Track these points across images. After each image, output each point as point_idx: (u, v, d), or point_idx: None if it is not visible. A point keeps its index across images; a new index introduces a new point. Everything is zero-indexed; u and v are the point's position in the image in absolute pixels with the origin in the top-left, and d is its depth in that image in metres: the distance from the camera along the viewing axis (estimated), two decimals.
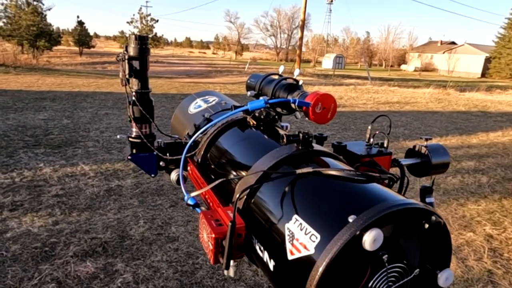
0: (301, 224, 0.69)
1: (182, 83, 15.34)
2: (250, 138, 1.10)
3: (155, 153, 1.19)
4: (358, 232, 0.60)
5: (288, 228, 0.71)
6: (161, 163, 1.21)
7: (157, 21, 41.81)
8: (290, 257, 0.69)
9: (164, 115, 7.98)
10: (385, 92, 16.17)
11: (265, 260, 0.77)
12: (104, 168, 4.72)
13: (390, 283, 0.66)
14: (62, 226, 3.25)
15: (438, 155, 1.14)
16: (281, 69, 1.19)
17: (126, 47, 1.10)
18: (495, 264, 3.12)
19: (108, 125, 7.03)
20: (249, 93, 1.18)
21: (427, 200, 1.09)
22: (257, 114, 1.07)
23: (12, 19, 27.40)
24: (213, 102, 1.40)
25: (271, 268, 0.75)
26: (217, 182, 0.84)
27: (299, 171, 0.79)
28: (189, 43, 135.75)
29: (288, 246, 0.70)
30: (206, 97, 1.48)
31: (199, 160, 1.15)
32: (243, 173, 0.94)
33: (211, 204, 0.98)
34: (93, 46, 46.08)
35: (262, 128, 1.09)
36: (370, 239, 0.59)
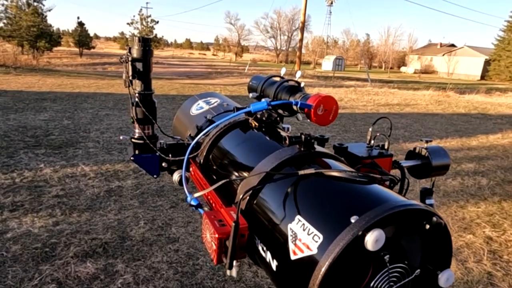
0: (303, 224, 0.70)
1: (183, 84, 15.36)
2: (252, 139, 1.11)
3: (157, 154, 1.20)
4: (360, 233, 0.60)
5: (291, 229, 0.72)
6: (163, 164, 1.22)
7: (158, 22, 41.81)
8: (293, 257, 0.70)
9: (165, 116, 7.99)
10: (385, 94, 16.20)
11: (267, 260, 0.78)
12: (104, 169, 4.72)
13: (392, 283, 0.67)
14: (63, 227, 3.25)
15: (438, 157, 1.15)
16: (283, 71, 1.20)
17: (130, 48, 1.11)
18: (494, 266, 3.13)
19: (109, 126, 7.04)
20: (251, 94, 1.19)
21: (427, 201, 1.10)
22: (259, 116, 1.08)
23: (13, 20, 27.43)
24: (215, 104, 1.41)
25: (274, 268, 0.76)
26: (220, 183, 0.85)
27: (301, 172, 0.80)
28: (189, 44, 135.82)
29: (291, 246, 0.70)
30: (208, 98, 1.48)
31: (202, 161, 1.16)
32: (246, 174, 0.95)
33: (213, 204, 0.99)
34: (93, 47, 46.12)
35: (264, 129, 1.10)
36: (372, 240, 0.59)
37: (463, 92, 19.39)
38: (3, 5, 27.05)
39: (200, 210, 0.94)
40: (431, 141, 1.19)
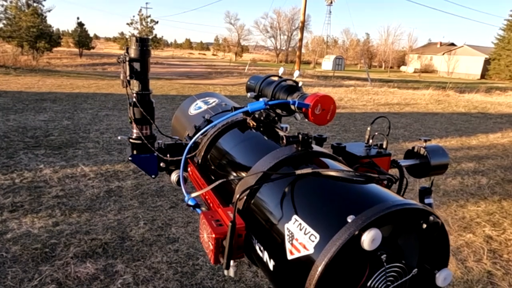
0: (300, 224, 0.70)
1: (182, 85, 15.36)
2: (250, 139, 1.11)
3: (155, 154, 1.19)
4: (357, 232, 0.60)
5: (287, 228, 0.72)
6: (161, 164, 1.22)
7: (157, 22, 41.74)
8: (289, 257, 0.70)
9: (164, 116, 7.99)
10: (385, 94, 16.19)
11: (265, 260, 0.78)
12: (104, 169, 4.72)
13: (389, 283, 0.67)
14: (62, 227, 3.25)
15: (437, 156, 1.14)
16: (281, 70, 1.20)
17: (127, 49, 1.11)
18: (494, 265, 3.12)
19: (108, 126, 7.04)
20: (249, 94, 1.19)
21: (426, 201, 1.10)
22: (257, 116, 1.08)
23: (12, 21, 27.43)
24: (213, 104, 1.40)
25: (271, 268, 0.76)
26: (217, 183, 0.85)
27: (298, 172, 0.80)
28: (189, 44, 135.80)
29: (288, 246, 0.70)
30: (206, 98, 1.48)
31: (199, 161, 1.16)
32: (243, 174, 0.95)
33: (211, 204, 0.99)
34: (93, 48, 46.05)
35: (262, 129, 1.10)
36: (369, 239, 0.59)
37: (463, 91, 19.39)
38: (2, 5, 27.10)
39: (198, 210, 0.93)
40: (430, 140, 1.19)
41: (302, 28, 27.87)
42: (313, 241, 0.65)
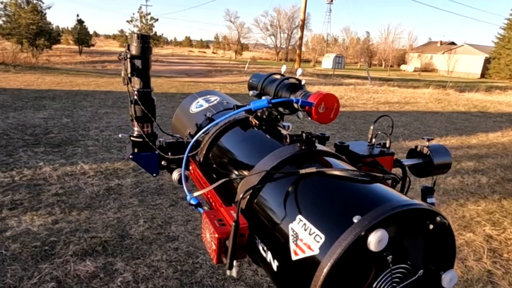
0: (305, 224, 0.69)
1: (182, 82, 15.33)
2: (253, 137, 1.09)
3: (156, 152, 1.18)
4: (363, 233, 0.59)
5: (292, 228, 0.71)
6: (162, 163, 1.20)
7: (157, 20, 41.61)
8: (294, 257, 0.69)
9: (164, 114, 7.97)
10: (385, 92, 16.18)
11: (268, 260, 0.77)
12: (104, 167, 4.71)
13: (394, 284, 0.66)
14: (62, 225, 3.24)
15: (440, 156, 1.14)
16: (283, 68, 1.18)
17: (128, 46, 1.10)
18: (494, 264, 3.12)
19: (108, 124, 7.02)
20: (251, 92, 1.18)
21: (428, 200, 1.09)
22: (259, 114, 1.07)
23: (12, 18, 27.36)
24: (215, 102, 1.39)
25: (275, 268, 0.75)
26: (220, 182, 0.84)
27: (302, 171, 0.79)
28: (189, 42, 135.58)
29: (292, 246, 0.69)
30: (208, 96, 1.47)
31: (201, 159, 1.15)
32: (246, 173, 0.94)
33: (213, 203, 0.98)
34: (93, 45, 45.95)
35: (264, 127, 1.09)
36: (375, 240, 0.58)
37: (463, 90, 19.39)
38: (2, 2, 27.03)
39: (200, 209, 0.92)
40: (432, 139, 1.18)
41: (302, 26, 27.84)
42: (318, 242, 0.64)
